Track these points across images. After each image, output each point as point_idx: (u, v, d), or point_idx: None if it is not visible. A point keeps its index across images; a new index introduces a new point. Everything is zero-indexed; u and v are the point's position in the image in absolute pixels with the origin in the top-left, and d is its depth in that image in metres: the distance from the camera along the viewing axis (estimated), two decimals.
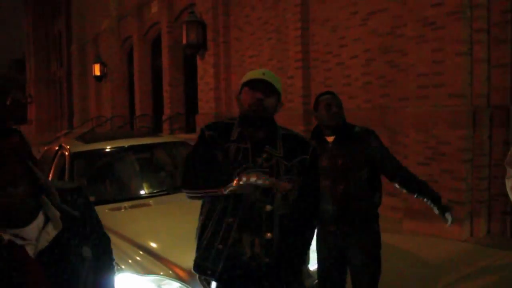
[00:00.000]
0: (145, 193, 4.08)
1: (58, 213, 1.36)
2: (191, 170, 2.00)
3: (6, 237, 1.28)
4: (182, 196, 3.96)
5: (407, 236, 5.34)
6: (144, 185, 4.23)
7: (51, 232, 1.34)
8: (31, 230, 1.32)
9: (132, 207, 3.69)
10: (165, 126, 12.13)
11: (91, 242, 1.49)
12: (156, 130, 12.14)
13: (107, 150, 4.45)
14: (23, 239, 1.31)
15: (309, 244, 2.11)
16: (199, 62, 10.55)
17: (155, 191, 4.11)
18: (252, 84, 1.91)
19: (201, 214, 2.06)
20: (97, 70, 16.62)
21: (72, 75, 21.47)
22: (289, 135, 2.04)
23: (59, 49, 25.15)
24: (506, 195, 2.58)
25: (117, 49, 16.10)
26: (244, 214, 1.89)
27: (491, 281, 4.05)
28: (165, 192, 4.04)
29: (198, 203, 3.76)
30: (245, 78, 1.96)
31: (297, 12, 7.66)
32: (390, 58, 6.28)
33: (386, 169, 2.80)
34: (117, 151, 4.44)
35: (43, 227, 1.34)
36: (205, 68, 10.32)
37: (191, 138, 9.13)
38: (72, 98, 21.87)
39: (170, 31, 12.27)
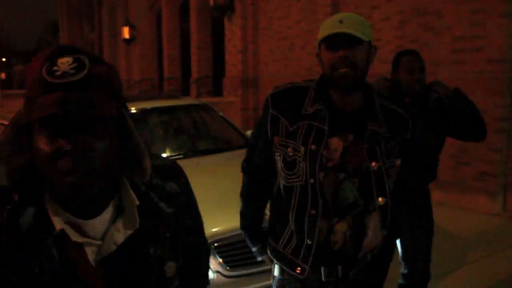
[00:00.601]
0: (167, 156, 4.03)
1: (136, 202, 0.92)
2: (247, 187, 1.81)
3: (59, 226, 0.85)
4: (203, 160, 4.02)
5: (435, 208, 5.14)
6: (166, 147, 4.22)
7: (123, 231, 0.90)
8: (96, 224, 0.89)
9: None
10: (193, 89, 12.10)
11: (180, 256, 1.01)
12: (184, 93, 12.14)
13: (129, 111, 4.41)
14: (83, 235, 0.88)
15: (398, 235, 1.83)
16: (226, 24, 10.33)
17: (176, 153, 4.07)
18: (329, 41, 1.48)
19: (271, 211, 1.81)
20: (126, 33, 16.60)
21: (103, 38, 21.59)
22: (387, 107, 1.62)
23: (91, 12, 25.27)
24: None
25: (146, 12, 16.01)
26: (326, 203, 1.57)
27: None
28: (185, 155, 3.99)
29: (221, 167, 3.72)
30: (320, 34, 1.51)
31: None
32: (424, 20, 5.92)
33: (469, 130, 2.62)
34: (139, 113, 4.40)
35: (113, 222, 0.91)
36: (232, 30, 10.11)
37: (218, 101, 9.06)
38: None
39: None
